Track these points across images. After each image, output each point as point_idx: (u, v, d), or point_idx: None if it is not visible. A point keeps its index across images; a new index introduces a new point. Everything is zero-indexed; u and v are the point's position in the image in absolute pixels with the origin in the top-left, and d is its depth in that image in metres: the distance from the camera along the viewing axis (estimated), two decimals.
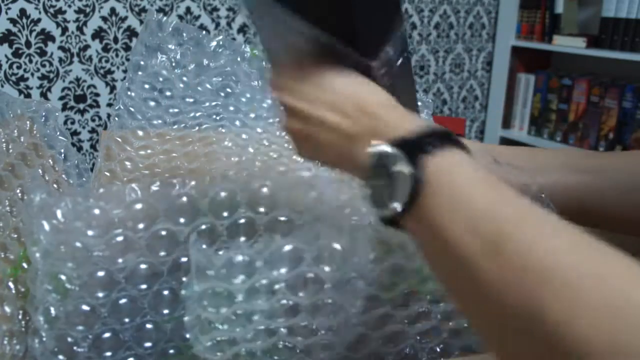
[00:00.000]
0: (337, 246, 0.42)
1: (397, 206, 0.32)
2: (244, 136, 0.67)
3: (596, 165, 0.51)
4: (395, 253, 0.44)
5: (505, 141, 2.29)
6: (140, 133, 0.65)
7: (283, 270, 0.41)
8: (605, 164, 0.51)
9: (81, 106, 1.49)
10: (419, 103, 0.62)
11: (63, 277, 0.42)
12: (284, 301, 0.42)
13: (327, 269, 0.42)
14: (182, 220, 0.45)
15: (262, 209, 0.48)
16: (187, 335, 0.42)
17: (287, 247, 0.41)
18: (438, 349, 0.50)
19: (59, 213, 0.42)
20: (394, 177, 0.32)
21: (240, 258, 0.41)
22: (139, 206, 0.44)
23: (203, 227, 0.46)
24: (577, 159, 0.52)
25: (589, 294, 0.24)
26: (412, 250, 0.44)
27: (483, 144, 0.55)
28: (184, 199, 0.46)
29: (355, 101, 0.37)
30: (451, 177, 0.31)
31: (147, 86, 0.68)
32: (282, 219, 0.48)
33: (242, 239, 0.47)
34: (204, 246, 0.40)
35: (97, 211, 0.43)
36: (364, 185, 0.35)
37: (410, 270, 0.45)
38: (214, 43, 0.71)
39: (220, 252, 0.41)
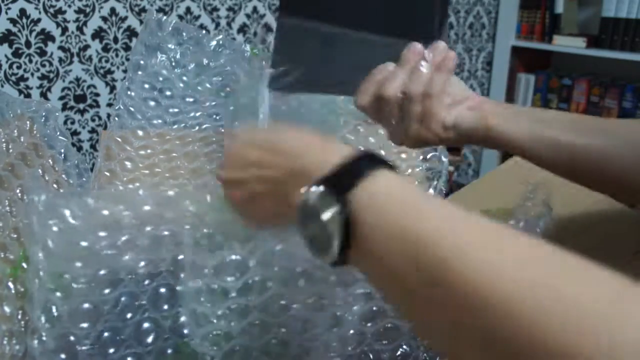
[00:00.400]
0: None
1: (335, 249, 0.32)
2: None
3: (604, 128, 0.49)
4: None
5: None
6: (140, 133, 0.65)
7: (275, 268, 0.42)
8: (612, 128, 0.49)
9: (81, 106, 1.49)
10: None
11: (67, 276, 0.42)
12: (277, 296, 0.43)
13: (317, 264, 0.43)
14: (185, 225, 0.45)
15: None
16: (185, 331, 0.43)
17: (279, 247, 0.42)
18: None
19: (66, 213, 0.42)
20: (324, 221, 0.32)
21: (233, 257, 0.41)
22: (145, 207, 0.44)
23: (205, 230, 0.46)
24: (586, 120, 0.51)
25: (543, 305, 0.24)
26: None
27: (483, 106, 0.51)
28: (187, 202, 0.46)
29: (283, 150, 0.38)
30: (381, 208, 0.31)
31: (147, 86, 0.68)
32: None
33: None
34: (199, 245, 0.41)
35: (104, 212, 0.43)
36: (300, 235, 0.35)
37: None
38: (213, 42, 0.71)
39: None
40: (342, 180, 0.32)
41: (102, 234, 0.43)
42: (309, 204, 0.33)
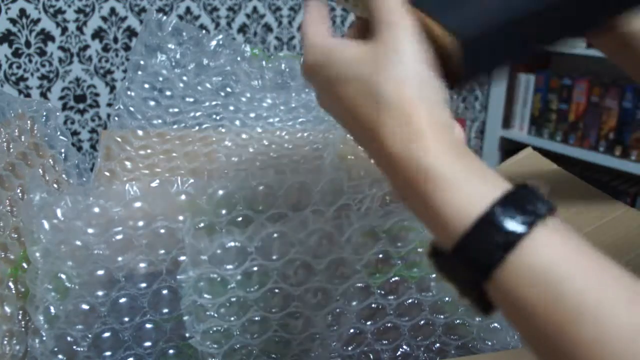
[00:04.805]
0: (324, 232, 0.43)
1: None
2: (244, 136, 0.67)
3: None
4: (381, 239, 0.45)
5: (505, 141, 2.29)
6: (140, 133, 0.65)
7: (274, 257, 0.42)
8: None
9: (81, 106, 1.49)
10: None
11: (63, 276, 0.42)
12: (277, 290, 0.43)
13: (315, 254, 0.43)
14: (180, 218, 0.45)
15: (260, 207, 0.48)
16: (187, 335, 0.43)
17: (277, 234, 0.42)
18: (434, 348, 0.50)
19: (58, 212, 0.42)
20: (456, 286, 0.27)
21: (232, 243, 0.41)
22: (138, 204, 0.44)
23: (201, 225, 0.46)
24: None
25: None
26: (398, 236, 0.46)
27: None
28: (183, 196, 0.46)
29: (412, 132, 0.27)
30: (527, 293, 0.24)
31: (147, 86, 0.68)
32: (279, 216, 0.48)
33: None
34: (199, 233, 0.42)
35: (96, 209, 0.44)
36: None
37: (396, 257, 0.46)
38: (213, 42, 0.71)
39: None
40: (483, 249, 0.24)
41: (93, 231, 0.43)
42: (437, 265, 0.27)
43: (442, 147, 0.27)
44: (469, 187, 0.25)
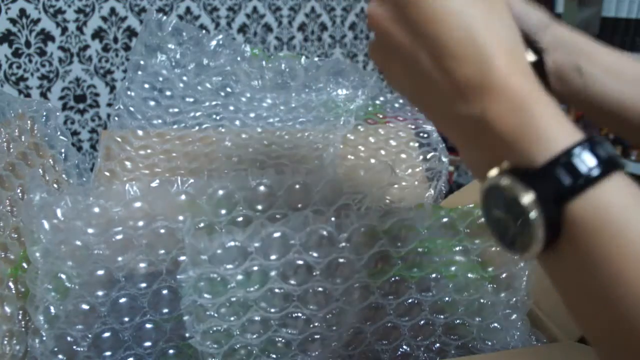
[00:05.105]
0: (324, 232, 0.43)
1: (528, 253, 0.28)
2: (244, 136, 0.67)
3: None
4: (381, 239, 0.45)
5: None
6: (140, 133, 0.65)
7: (274, 257, 0.42)
8: None
9: (81, 106, 1.49)
10: None
11: (63, 276, 0.43)
12: (277, 290, 0.43)
13: (315, 254, 0.43)
14: (180, 218, 0.45)
15: (259, 207, 0.48)
16: (187, 335, 0.43)
17: (277, 234, 0.42)
18: (434, 348, 0.50)
19: (58, 212, 0.43)
20: (521, 220, 0.27)
21: (232, 243, 0.41)
22: (138, 204, 0.44)
23: (201, 225, 0.46)
24: None
25: None
26: (398, 236, 0.46)
27: (573, 36, 0.42)
28: (183, 196, 0.46)
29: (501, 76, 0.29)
30: (598, 226, 0.26)
31: (147, 86, 0.68)
32: (279, 216, 0.48)
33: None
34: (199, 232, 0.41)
35: (96, 209, 0.44)
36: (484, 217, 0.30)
37: (396, 257, 0.46)
38: (213, 42, 0.71)
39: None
40: (558, 184, 0.26)
41: (93, 231, 0.43)
42: (508, 191, 0.28)
43: (539, 87, 0.30)
44: (565, 121, 0.29)
